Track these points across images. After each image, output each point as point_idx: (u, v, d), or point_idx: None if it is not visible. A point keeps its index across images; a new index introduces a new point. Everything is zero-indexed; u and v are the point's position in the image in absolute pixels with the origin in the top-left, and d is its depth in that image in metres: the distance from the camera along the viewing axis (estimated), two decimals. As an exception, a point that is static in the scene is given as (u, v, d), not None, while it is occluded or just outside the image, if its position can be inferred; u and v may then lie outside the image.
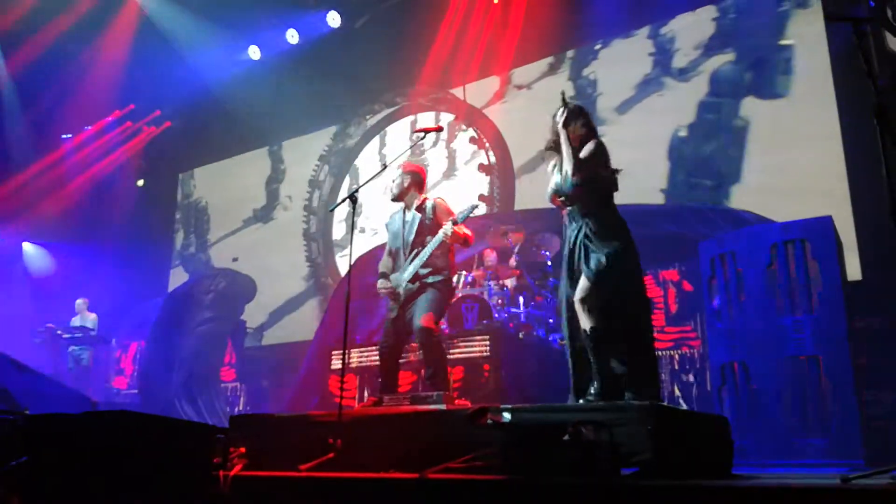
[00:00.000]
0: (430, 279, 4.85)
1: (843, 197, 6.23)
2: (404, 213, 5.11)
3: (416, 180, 5.09)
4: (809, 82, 6.24)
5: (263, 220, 12.26)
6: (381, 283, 5.02)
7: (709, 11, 7.09)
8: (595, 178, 3.92)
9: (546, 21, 8.31)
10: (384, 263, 5.15)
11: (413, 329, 4.80)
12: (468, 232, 4.90)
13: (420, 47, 10.08)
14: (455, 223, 4.76)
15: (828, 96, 6.24)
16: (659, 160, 7.45)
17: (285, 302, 11.45)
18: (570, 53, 8.76)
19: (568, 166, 3.92)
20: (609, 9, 7.50)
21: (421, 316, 4.74)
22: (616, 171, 4.04)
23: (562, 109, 4.08)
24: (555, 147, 4.10)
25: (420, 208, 4.99)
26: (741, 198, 6.65)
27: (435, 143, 10.17)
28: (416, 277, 4.84)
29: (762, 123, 6.59)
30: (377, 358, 6.99)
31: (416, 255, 4.88)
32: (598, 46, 8.30)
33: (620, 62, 7.94)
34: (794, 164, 6.28)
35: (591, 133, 4.06)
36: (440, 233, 4.77)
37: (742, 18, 6.88)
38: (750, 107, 6.64)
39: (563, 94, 4.15)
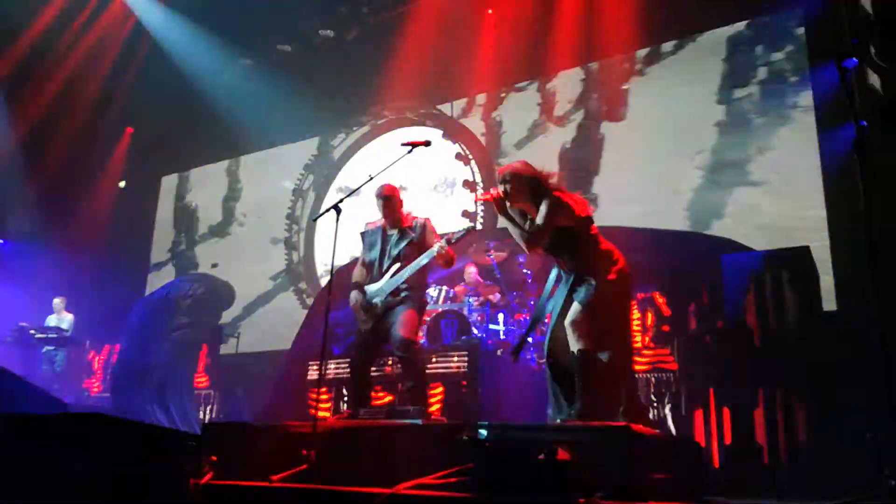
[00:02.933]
0: (406, 293, 4.86)
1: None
2: (385, 228, 5.11)
3: (399, 200, 5.10)
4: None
5: (220, 234, 12.37)
6: (354, 294, 5.00)
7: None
8: (560, 233, 3.94)
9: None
10: (359, 274, 5.13)
11: (391, 341, 4.79)
12: (453, 254, 4.92)
13: (409, 62, 10.12)
14: (449, 242, 4.76)
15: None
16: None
17: (263, 309, 11.40)
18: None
19: (522, 245, 3.97)
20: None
21: (401, 328, 4.72)
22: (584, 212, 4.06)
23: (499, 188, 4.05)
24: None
25: (408, 227, 5.00)
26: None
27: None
28: (395, 291, 4.84)
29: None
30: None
31: (399, 269, 4.88)
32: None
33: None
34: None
35: (539, 193, 4.00)
36: (434, 248, 4.76)
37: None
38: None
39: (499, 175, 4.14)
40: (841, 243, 6.80)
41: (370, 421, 3.85)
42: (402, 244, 4.95)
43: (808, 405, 5.38)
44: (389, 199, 5.03)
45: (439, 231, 5.15)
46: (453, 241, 4.78)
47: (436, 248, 4.77)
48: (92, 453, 2.70)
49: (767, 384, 5.57)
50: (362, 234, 5.24)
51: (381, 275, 4.96)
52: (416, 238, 4.94)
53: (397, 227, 5.04)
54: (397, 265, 4.91)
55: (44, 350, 10.12)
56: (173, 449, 3.13)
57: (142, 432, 3.01)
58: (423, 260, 4.81)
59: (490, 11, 9.84)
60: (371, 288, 4.96)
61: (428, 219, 5.09)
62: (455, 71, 9.87)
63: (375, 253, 5.03)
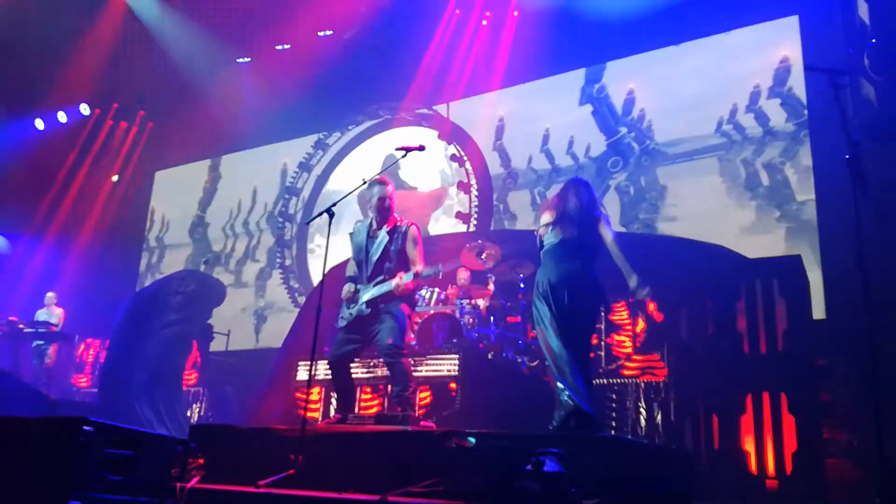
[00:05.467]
0: (394, 301, 4.76)
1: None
2: (370, 227, 5.00)
3: (391, 194, 5.00)
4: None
5: (212, 230, 12.51)
6: (346, 286, 4.94)
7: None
8: None
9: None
10: (350, 267, 5.08)
11: (378, 347, 4.75)
12: (410, 289, 4.80)
13: (407, 63, 10.14)
14: (416, 275, 4.70)
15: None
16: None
17: (254, 306, 11.39)
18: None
19: None
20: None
21: (389, 334, 4.66)
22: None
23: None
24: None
25: (392, 231, 4.89)
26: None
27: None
28: (374, 302, 4.77)
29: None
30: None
31: (379, 280, 4.80)
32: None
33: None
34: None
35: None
36: (392, 283, 4.69)
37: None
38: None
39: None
40: (831, 253, 6.83)
41: (359, 427, 3.84)
42: (381, 250, 4.86)
43: (797, 413, 5.40)
44: (383, 187, 4.93)
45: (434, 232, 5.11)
46: (422, 276, 4.72)
47: (393, 283, 4.69)
48: (78, 457, 2.69)
49: (756, 391, 5.59)
50: (350, 234, 5.18)
51: (366, 279, 4.89)
52: (398, 246, 4.84)
53: (382, 227, 4.93)
54: (379, 276, 4.83)
55: (33, 345, 10.06)
56: (160, 452, 3.12)
57: (128, 436, 2.99)
58: (383, 288, 4.73)
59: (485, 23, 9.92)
60: (360, 291, 4.89)
61: (414, 224, 4.96)
62: (449, 74, 9.93)
63: (362, 254, 4.94)
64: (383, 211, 4.96)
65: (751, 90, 8.08)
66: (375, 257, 4.85)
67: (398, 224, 4.93)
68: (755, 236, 7.59)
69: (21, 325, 10.00)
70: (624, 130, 8.98)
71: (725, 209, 7.97)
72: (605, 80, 9.30)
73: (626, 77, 9.14)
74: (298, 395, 7.05)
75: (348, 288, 4.94)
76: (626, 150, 8.93)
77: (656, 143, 8.69)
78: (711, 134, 8.28)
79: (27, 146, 12.31)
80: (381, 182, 5.00)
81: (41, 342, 10.06)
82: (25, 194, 12.33)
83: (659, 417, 6.45)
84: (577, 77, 9.47)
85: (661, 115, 8.75)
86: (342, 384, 4.89)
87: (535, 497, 2.69)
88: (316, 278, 10.66)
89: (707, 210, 8.06)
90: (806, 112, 7.51)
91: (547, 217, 4.55)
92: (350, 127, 11.30)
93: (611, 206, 8.76)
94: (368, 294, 4.77)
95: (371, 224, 5.02)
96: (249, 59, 11.48)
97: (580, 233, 4.35)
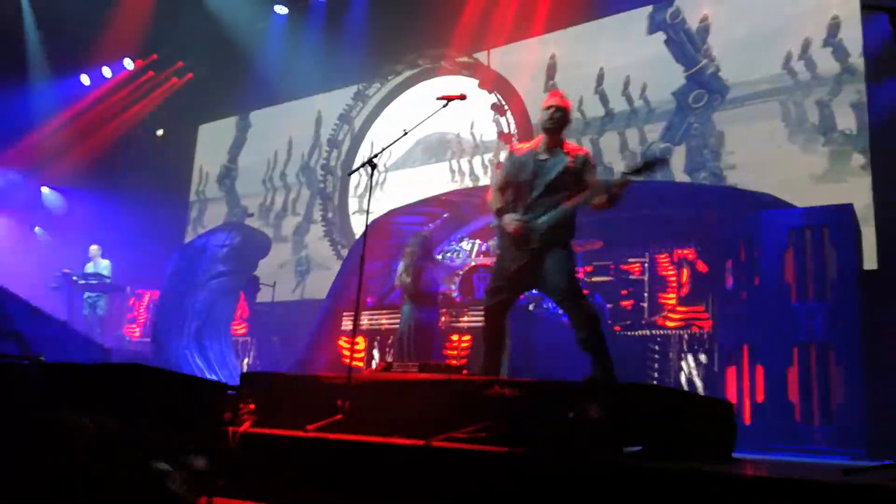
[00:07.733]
0: (560, 232, 4.09)
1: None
2: (535, 152, 4.19)
3: (568, 118, 4.27)
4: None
5: (254, 184, 12.63)
6: (509, 217, 4.09)
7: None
8: None
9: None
10: (499, 199, 4.22)
11: (551, 288, 4.11)
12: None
13: (446, 10, 9.97)
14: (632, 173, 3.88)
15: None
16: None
17: (299, 258, 11.57)
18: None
19: None
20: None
21: (564, 276, 4.02)
22: None
23: None
24: None
25: (570, 155, 4.15)
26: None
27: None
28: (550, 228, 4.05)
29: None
30: (386, 321, 7.10)
31: (554, 204, 4.05)
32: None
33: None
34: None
35: None
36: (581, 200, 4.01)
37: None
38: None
39: None
40: (884, 202, 6.62)
41: (403, 374, 3.90)
42: (559, 171, 4.08)
43: (843, 365, 5.33)
44: (563, 112, 4.20)
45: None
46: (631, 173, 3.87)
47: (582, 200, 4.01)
48: (133, 403, 2.80)
49: (803, 343, 5.52)
50: (510, 153, 4.35)
51: (535, 203, 4.08)
52: (577, 169, 4.09)
53: (553, 152, 4.16)
54: (552, 198, 4.07)
55: (85, 296, 10.39)
56: (213, 398, 3.23)
57: (181, 382, 3.10)
58: (572, 206, 4.02)
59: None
60: (527, 216, 4.09)
61: (589, 152, 4.29)
62: (490, 20, 9.72)
63: (527, 175, 4.12)
64: (560, 128, 4.21)
65: (828, 21, 7.38)
66: (550, 177, 4.09)
67: (577, 151, 4.24)
68: (829, 185, 7.04)
69: (74, 277, 10.34)
70: (704, 61, 8.26)
71: (789, 156, 7.40)
72: (679, 3, 8.59)
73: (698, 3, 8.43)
74: (340, 344, 7.20)
75: (517, 218, 4.07)
76: (710, 82, 8.16)
77: (723, 82, 8.11)
78: (776, 74, 7.64)
79: (75, 102, 12.57)
80: (555, 101, 4.23)
81: (92, 294, 10.39)
82: (75, 149, 12.62)
83: (702, 368, 6.44)
84: (630, 16, 8.95)
85: (723, 53, 8.17)
86: (497, 334, 4.22)
87: (577, 444, 2.72)
88: (358, 230, 10.76)
89: (768, 157, 7.52)
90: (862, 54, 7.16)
91: None
92: (390, 77, 11.22)
93: (677, 152, 8.15)
94: (546, 218, 4.04)
95: (535, 150, 4.22)
96: (287, 11, 11.44)
97: None
